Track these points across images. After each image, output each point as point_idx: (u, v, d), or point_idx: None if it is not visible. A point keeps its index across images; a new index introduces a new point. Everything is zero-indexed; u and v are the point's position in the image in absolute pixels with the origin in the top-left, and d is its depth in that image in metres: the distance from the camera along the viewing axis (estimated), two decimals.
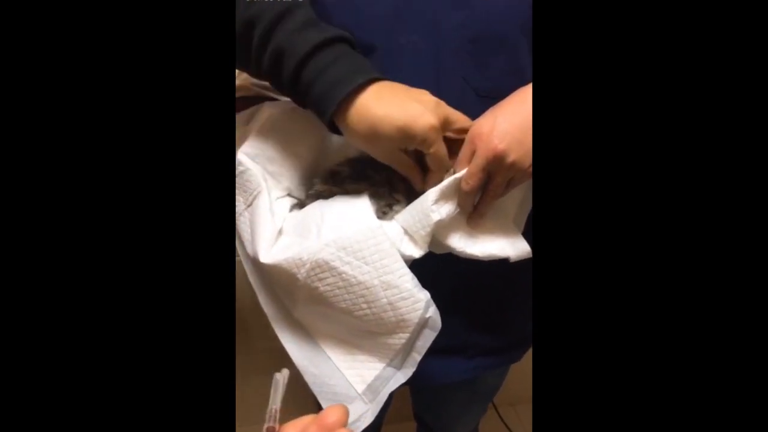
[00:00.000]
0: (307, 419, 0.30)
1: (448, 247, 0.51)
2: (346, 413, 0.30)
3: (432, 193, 0.48)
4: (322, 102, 0.47)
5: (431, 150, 0.47)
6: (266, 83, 0.58)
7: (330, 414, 0.29)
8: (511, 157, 0.46)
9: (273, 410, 0.33)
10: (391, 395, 0.54)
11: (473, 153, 0.48)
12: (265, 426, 0.32)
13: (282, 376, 0.36)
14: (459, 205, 0.50)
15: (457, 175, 0.48)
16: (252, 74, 0.54)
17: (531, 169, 0.48)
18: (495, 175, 0.48)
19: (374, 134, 0.47)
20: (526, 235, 0.54)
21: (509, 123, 0.47)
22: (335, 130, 0.50)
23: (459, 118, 0.49)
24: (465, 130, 0.49)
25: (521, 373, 1.35)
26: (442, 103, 0.48)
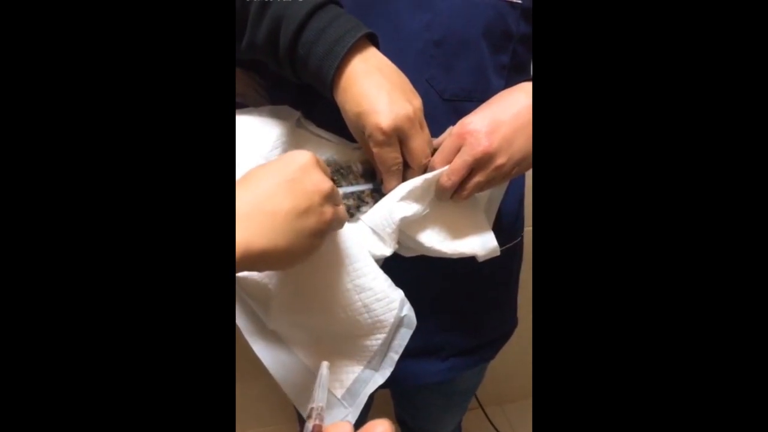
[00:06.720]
0: (346, 427, 0.29)
1: (417, 243, 0.51)
2: (391, 426, 0.29)
3: (399, 191, 0.48)
4: (324, 61, 0.45)
5: (374, 150, 0.46)
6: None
7: (375, 426, 0.28)
8: (500, 160, 0.46)
9: (319, 408, 0.32)
10: (372, 397, 0.54)
11: (458, 149, 0.47)
12: (311, 423, 0.31)
13: (326, 370, 0.35)
14: (437, 197, 0.49)
15: (428, 175, 0.48)
16: (241, 54, 0.52)
17: (513, 172, 0.48)
18: (477, 173, 0.47)
19: (359, 112, 0.45)
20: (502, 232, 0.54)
21: (502, 124, 0.46)
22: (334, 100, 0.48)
23: (425, 137, 0.47)
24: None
25: (507, 372, 1.35)
26: (420, 111, 0.46)
